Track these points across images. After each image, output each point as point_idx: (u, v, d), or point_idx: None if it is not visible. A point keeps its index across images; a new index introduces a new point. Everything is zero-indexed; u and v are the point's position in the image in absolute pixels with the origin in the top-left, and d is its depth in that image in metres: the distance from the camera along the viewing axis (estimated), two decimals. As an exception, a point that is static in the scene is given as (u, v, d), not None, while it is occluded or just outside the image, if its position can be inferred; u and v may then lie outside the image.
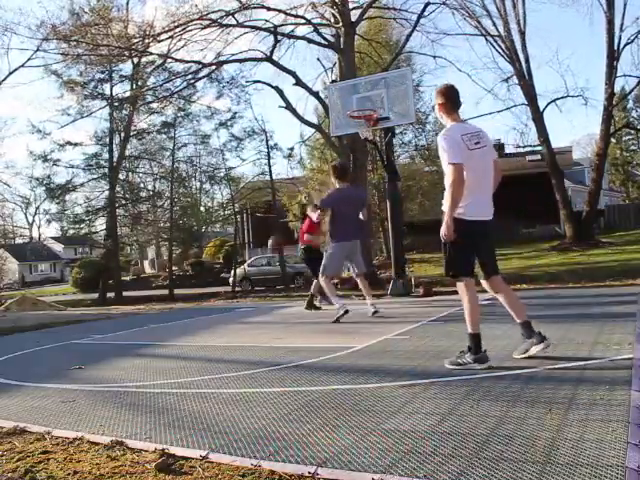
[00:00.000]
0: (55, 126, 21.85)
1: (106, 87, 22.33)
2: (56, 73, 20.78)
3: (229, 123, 22.53)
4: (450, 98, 3.95)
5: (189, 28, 15.27)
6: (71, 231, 24.32)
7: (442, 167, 3.80)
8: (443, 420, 2.76)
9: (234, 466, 2.40)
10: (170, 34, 15.32)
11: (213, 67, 17.30)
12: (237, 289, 20.61)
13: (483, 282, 4.02)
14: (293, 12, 15.89)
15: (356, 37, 18.52)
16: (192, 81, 18.50)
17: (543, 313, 6.67)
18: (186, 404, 3.51)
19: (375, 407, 3.09)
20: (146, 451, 2.70)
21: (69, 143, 21.85)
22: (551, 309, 7.05)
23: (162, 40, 15.61)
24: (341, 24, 15.11)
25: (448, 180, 3.68)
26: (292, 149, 23.07)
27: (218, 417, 3.15)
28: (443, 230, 3.76)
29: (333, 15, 15.68)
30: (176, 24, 15.09)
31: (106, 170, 22.64)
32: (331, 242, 7.11)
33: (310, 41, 16.37)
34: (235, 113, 22.32)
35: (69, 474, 2.51)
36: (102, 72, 21.28)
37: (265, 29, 15.99)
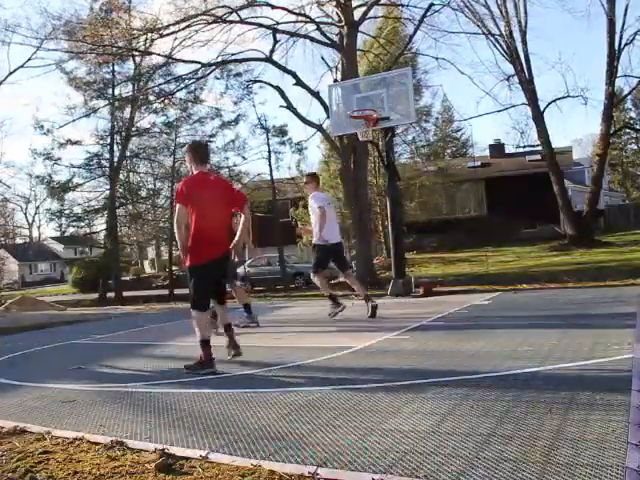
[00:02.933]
0: (56, 124, 21.65)
1: (108, 86, 22.31)
2: (64, 70, 20.75)
3: (232, 126, 22.46)
4: (316, 180, 7.58)
5: (194, 23, 15.26)
6: (71, 229, 24.26)
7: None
8: (443, 420, 2.76)
9: (234, 466, 2.40)
10: (175, 28, 15.31)
11: (213, 67, 17.30)
12: (237, 289, 20.56)
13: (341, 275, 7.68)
14: (297, 11, 15.88)
15: (368, 39, 18.55)
16: (193, 81, 18.52)
17: (543, 313, 6.67)
18: (186, 404, 3.51)
19: (375, 407, 3.09)
20: (146, 451, 2.70)
21: (70, 141, 21.79)
22: (551, 309, 7.04)
23: (167, 35, 15.59)
24: (344, 23, 15.10)
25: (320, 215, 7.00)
26: (299, 143, 22.93)
27: (218, 417, 3.15)
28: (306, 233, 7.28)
29: (337, 14, 15.67)
30: (181, 18, 15.08)
31: (107, 170, 22.62)
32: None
33: (312, 39, 16.35)
34: (239, 116, 22.24)
35: (69, 474, 2.50)
36: (105, 69, 21.26)
37: (266, 26, 15.99)
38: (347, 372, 4.04)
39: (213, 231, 4.33)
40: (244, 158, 23.10)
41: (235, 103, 22.02)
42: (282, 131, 22.06)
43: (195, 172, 4.52)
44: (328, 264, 7.42)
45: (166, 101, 20.53)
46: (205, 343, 4.37)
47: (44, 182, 22.60)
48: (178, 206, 4.31)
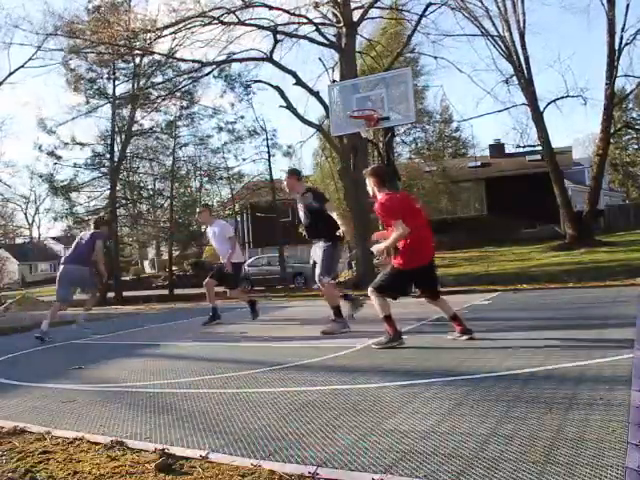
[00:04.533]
0: (57, 124, 21.59)
1: (109, 86, 22.30)
2: (68, 67, 20.71)
3: (231, 127, 22.49)
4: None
5: (191, 25, 15.27)
6: (75, 230, 24.21)
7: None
8: (443, 420, 2.76)
9: (234, 466, 2.40)
10: (173, 29, 15.32)
11: (214, 66, 17.31)
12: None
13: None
14: (295, 11, 15.91)
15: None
16: (193, 81, 18.55)
17: (543, 313, 6.67)
18: (186, 404, 3.51)
19: (375, 407, 3.09)
20: (146, 451, 2.70)
21: (73, 140, 21.75)
22: (551, 309, 7.05)
23: (165, 35, 15.61)
24: (342, 24, 15.11)
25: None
26: (290, 146, 23.01)
27: (218, 417, 3.15)
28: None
29: (335, 15, 15.68)
30: (179, 19, 15.10)
31: (107, 169, 22.60)
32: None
33: (311, 40, 16.36)
34: (238, 117, 22.30)
35: (69, 474, 2.50)
36: (106, 68, 21.23)
37: (265, 27, 16.00)
38: (347, 372, 4.04)
39: (422, 240, 4.87)
40: (244, 160, 23.14)
41: (232, 106, 22.06)
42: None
43: (382, 194, 4.96)
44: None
45: (166, 100, 20.52)
46: (387, 318, 4.87)
47: (47, 180, 22.51)
48: (399, 222, 4.70)
